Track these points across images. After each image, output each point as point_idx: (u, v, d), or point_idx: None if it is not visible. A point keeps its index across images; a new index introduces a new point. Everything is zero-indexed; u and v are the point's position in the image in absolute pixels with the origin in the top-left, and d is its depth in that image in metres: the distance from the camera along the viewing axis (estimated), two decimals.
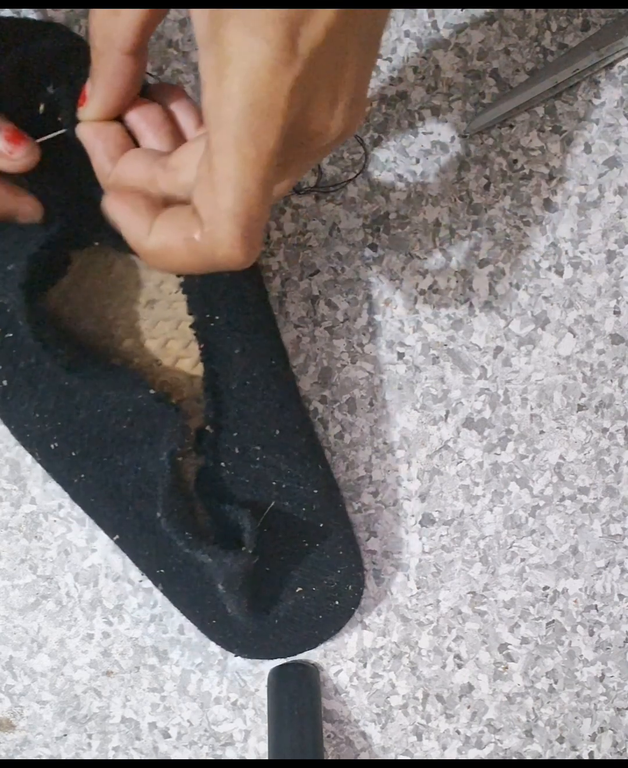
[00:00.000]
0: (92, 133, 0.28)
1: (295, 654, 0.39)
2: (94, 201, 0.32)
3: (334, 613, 0.38)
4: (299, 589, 0.37)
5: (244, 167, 0.22)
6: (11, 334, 0.32)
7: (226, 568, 0.33)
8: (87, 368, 0.32)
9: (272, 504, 0.36)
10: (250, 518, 0.34)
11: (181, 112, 0.29)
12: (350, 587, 0.38)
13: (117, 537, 0.36)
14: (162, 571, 0.36)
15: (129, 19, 0.25)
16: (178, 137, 0.29)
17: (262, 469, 0.36)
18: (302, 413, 0.37)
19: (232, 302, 0.34)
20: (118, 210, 0.26)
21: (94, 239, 0.34)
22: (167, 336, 0.36)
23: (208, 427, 0.35)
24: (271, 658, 0.39)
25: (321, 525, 0.37)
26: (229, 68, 0.21)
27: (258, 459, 0.35)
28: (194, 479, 0.36)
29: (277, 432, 0.36)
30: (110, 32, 0.25)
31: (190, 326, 0.35)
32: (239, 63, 0.21)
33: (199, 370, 0.36)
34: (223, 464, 0.35)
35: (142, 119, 0.28)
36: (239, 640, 0.38)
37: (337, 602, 0.38)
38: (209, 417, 0.35)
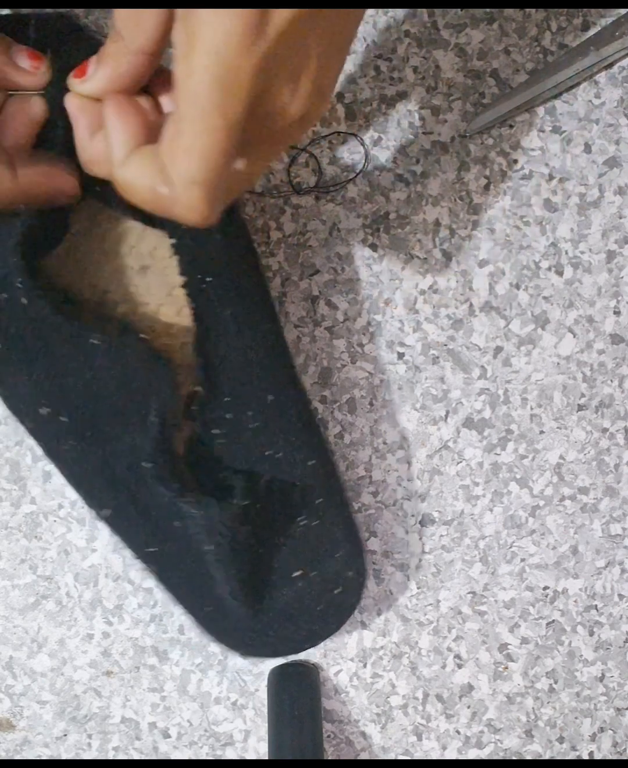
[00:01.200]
0: (78, 107, 0.29)
1: (297, 651, 0.37)
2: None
3: (335, 603, 0.36)
4: (298, 572, 0.36)
5: (207, 138, 0.23)
6: (6, 295, 0.31)
7: (216, 521, 0.31)
8: (81, 326, 0.32)
9: (267, 476, 0.35)
10: (242, 480, 0.33)
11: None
12: (350, 573, 0.36)
13: (108, 511, 0.35)
14: (154, 549, 0.35)
15: (152, 20, 0.25)
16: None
17: (255, 438, 0.34)
18: (297, 382, 0.36)
19: (223, 265, 0.34)
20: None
21: (88, 194, 0.33)
22: (160, 302, 0.35)
23: (198, 388, 0.34)
24: (272, 657, 0.38)
25: (318, 501, 0.35)
26: (198, 43, 0.22)
27: (251, 426, 0.34)
28: (186, 448, 0.35)
29: (271, 397, 0.35)
30: (132, 31, 0.26)
31: (182, 286, 0.34)
32: (209, 39, 0.22)
33: (191, 336, 0.35)
34: (215, 431, 0.34)
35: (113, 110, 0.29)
36: (238, 635, 0.36)
37: (338, 590, 0.36)
38: (201, 379, 0.34)
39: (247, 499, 0.33)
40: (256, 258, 0.36)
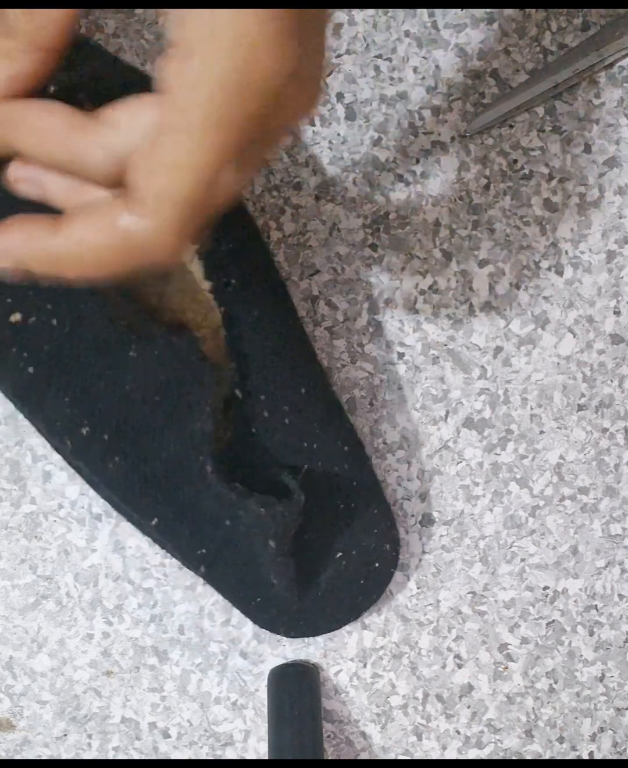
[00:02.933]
0: None
1: (340, 626, 0.38)
2: None
3: (375, 576, 0.38)
4: (340, 553, 0.37)
5: (203, 153, 0.20)
6: (34, 318, 0.31)
7: (280, 518, 0.33)
8: (123, 331, 0.32)
9: (306, 466, 0.35)
10: (293, 477, 0.34)
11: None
12: (387, 547, 0.38)
13: (155, 521, 0.35)
14: (204, 551, 0.36)
15: (60, 14, 0.22)
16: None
17: (292, 431, 0.35)
18: (322, 373, 0.37)
19: (244, 266, 0.34)
20: (7, 234, 0.22)
21: None
22: (185, 308, 0.35)
23: (236, 391, 0.35)
24: (318, 634, 0.39)
25: (354, 483, 0.37)
26: (215, 43, 0.18)
27: (287, 421, 0.35)
28: (227, 449, 0.35)
29: (303, 391, 0.35)
30: (38, 18, 0.21)
31: (209, 291, 0.34)
32: (230, 38, 0.18)
33: (219, 339, 0.35)
34: (254, 430, 0.35)
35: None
36: (285, 618, 0.37)
37: (377, 564, 0.38)
38: (236, 381, 0.35)
39: (302, 494, 0.33)
40: (269, 255, 0.37)
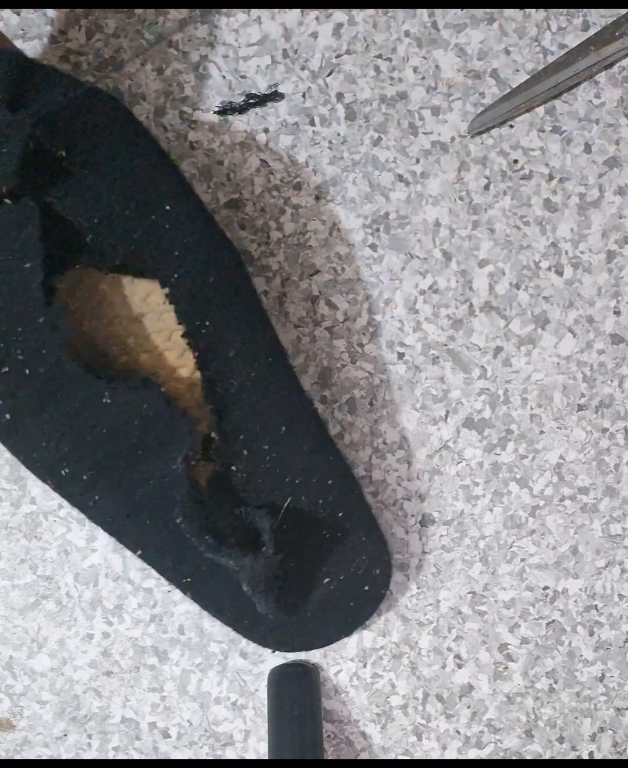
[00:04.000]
0: None
1: (332, 642, 0.39)
2: (72, 222, 0.32)
3: (365, 598, 0.38)
4: (327, 579, 0.37)
5: None
6: (7, 368, 0.32)
7: (249, 570, 0.33)
8: (94, 380, 0.32)
9: (288, 501, 0.36)
10: (267, 518, 0.34)
11: None
12: (377, 571, 0.38)
13: (140, 552, 0.36)
14: (189, 579, 0.36)
15: None
16: None
17: (273, 467, 0.35)
18: (307, 405, 0.37)
19: (220, 306, 0.34)
20: None
21: (74, 262, 0.34)
22: (161, 348, 0.36)
23: (213, 434, 0.35)
24: (308, 650, 0.39)
25: (340, 514, 0.37)
26: None
27: (268, 458, 0.35)
28: (207, 487, 0.36)
29: (284, 428, 0.35)
30: None
31: (182, 336, 0.34)
32: None
33: (197, 378, 0.36)
34: (234, 468, 0.35)
35: None
36: (275, 636, 0.38)
37: (367, 587, 0.38)
38: (214, 423, 0.35)
39: (279, 535, 0.34)
40: (250, 288, 0.36)
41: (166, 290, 0.33)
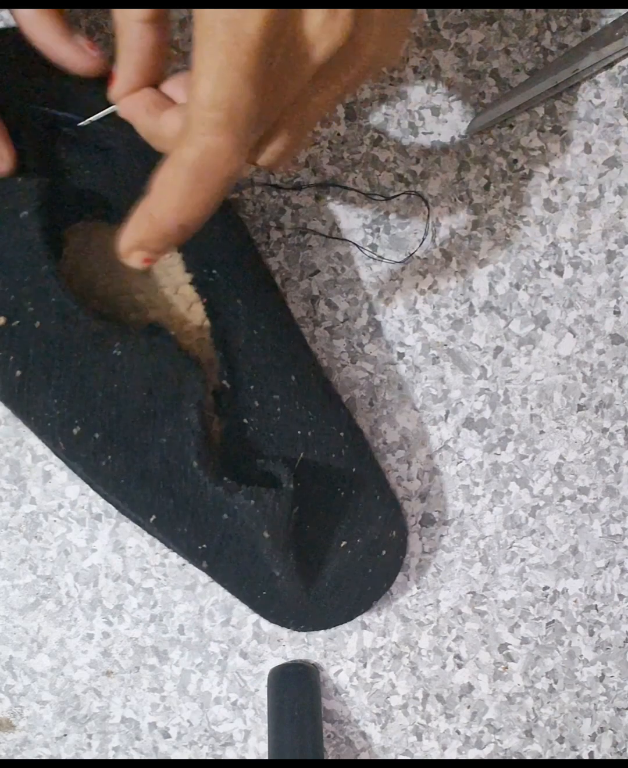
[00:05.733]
0: (130, 103, 0.28)
1: (351, 618, 0.38)
2: (85, 177, 0.32)
3: (382, 564, 0.37)
4: (344, 543, 0.37)
5: (223, 54, 0.22)
6: (18, 322, 0.31)
7: (269, 509, 0.32)
8: (105, 331, 0.32)
9: (301, 455, 0.35)
10: (284, 466, 0.34)
11: None
12: (393, 534, 0.37)
13: (154, 517, 0.35)
14: (204, 546, 0.35)
15: None
16: None
17: (285, 420, 0.35)
18: (314, 360, 0.37)
19: (226, 256, 0.34)
20: (161, 175, 0.26)
21: (85, 215, 0.34)
22: (169, 303, 0.35)
23: (224, 383, 0.35)
24: (329, 627, 0.38)
25: (354, 469, 0.36)
26: None
27: (279, 409, 0.35)
28: (220, 441, 0.35)
29: (294, 378, 0.35)
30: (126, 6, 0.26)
31: (190, 284, 0.34)
32: None
33: (205, 332, 0.35)
34: (245, 421, 0.35)
35: (176, 85, 0.29)
36: (293, 611, 0.37)
37: (384, 552, 0.37)
38: (224, 373, 0.34)
39: (293, 483, 0.33)
40: (252, 243, 0.36)
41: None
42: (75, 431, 0.33)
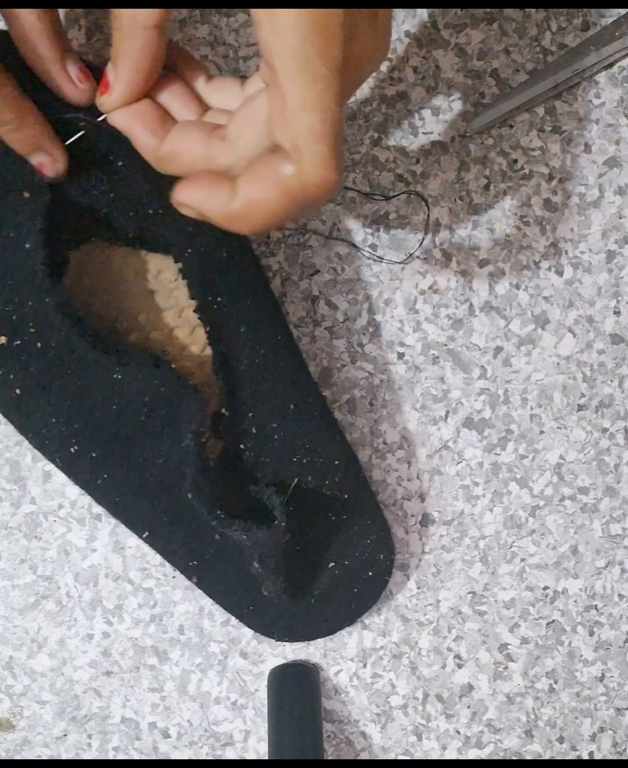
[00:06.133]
0: (126, 116, 0.28)
1: (335, 631, 0.39)
2: (88, 196, 0.32)
3: (368, 584, 0.38)
4: (332, 564, 0.37)
5: (319, 86, 0.22)
6: (18, 341, 0.32)
7: (261, 543, 0.33)
8: (104, 356, 0.32)
9: (296, 480, 0.35)
10: (277, 494, 0.34)
11: (194, 77, 0.30)
12: (381, 556, 0.38)
13: (147, 533, 0.36)
14: (195, 562, 0.36)
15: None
16: (199, 101, 0.29)
17: (281, 447, 0.35)
18: (313, 386, 0.37)
19: (231, 282, 0.34)
20: (193, 193, 0.26)
21: (89, 235, 0.34)
22: (171, 325, 0.36)
23: (223, 410, 0.35)
24: (313, 639, 0.39)
25: (346, 496, 0.37)
26: (280, 8, 0.22)
27: (276, 436, 0.35)
28: (216, 465, 0.35)
29: (292, 406, 0.35)
30: (134, 9, 0.26)
31: (194, 311, 0.34)
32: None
33: (206, 356, 0.36)
34: (242, 446, 0.35)
35: (170, 95, 0.29)
36: (279, 624, 0.38)
37: (370, 572, 0.38)
38: (224, 399, 0.35)
39: (286, 518, 0.33)
40: (259, 267, 0.37)
41: (179, 265, 0.34)
42: (72, 449, 0.34)
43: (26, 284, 0.31)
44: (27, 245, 0.30)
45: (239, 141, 0.27)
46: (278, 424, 0.35)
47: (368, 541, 0.38)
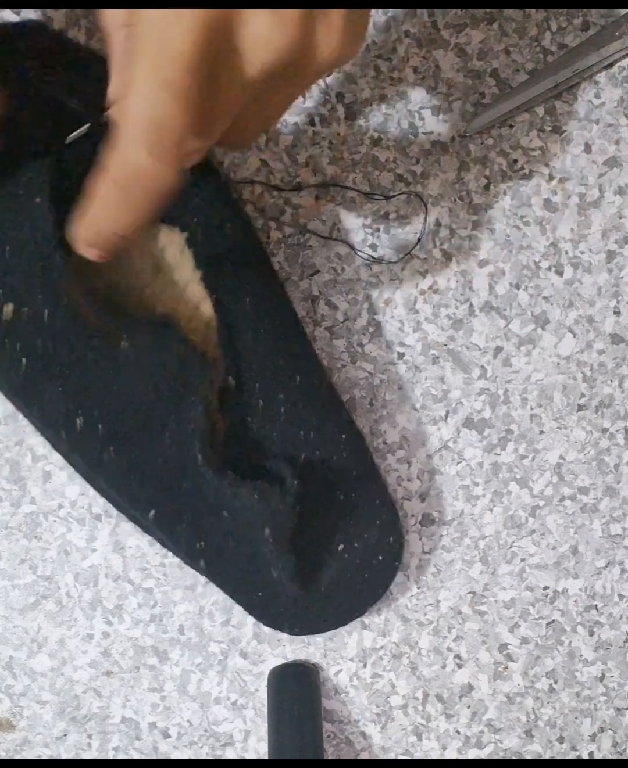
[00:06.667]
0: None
1: (346, 622, 0.38)
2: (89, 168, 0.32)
3: (379, 569, 0.37)
4: (341, 546, 0.37)
5: (152, 72, 0.21)
6: (27, 308, 0.31)
7: (273, 506, 0.32)
8: (112, 322, 0.32)
9: (303, 456, 0.35)
10: (288, 465, 0.34)
11: None
12: (390, 539, 0.37)
13: (152, 513, 0.35)
14: (202, 544, 0.35)
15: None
16: None
17: (287, 421, 0.35)
18: (317, 362, 0.37)
19: (236, 255, 0.34)
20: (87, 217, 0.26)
21: None
22: (176, 301, 0.35)
23: (230, 379, 0.35)
24: (323, 631, 0.38)
25: (354, 473, 0.36)
26: None
27: (283, 410, 0.35)
28: (223, 440, 0.35)
29: (298, 379, 0.35)
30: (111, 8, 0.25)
31: (200, 280, 0.34)
32: None
33: (212, 329, 0.35)
34: (249, 420, 0.35)
35: None
36: (289, 614, 0.37)
37: (380, 557, 0.37)
38: (230, 371, 0.35)
39: (297, 482, 0.33)
40: (261, 244, 0.37)
41: (186, 234, 0.34)
42: (78, 422, 0.33)
43: (36, 251, 0.30)
44: (38, 211, 0.30)
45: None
46: (284, 396, 0.35)
47: (378, 522, 0.37)
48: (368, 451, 0.38)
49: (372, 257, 0.39)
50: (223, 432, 0.35)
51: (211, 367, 0.33)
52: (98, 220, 0.25)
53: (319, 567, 0.37)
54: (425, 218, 0.39)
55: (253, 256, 0.35)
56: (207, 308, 0.35)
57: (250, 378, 0.35)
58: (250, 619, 0.40)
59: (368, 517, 0.37)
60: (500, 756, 0.42)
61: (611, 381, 0.41)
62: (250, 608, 0.37)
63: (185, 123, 0.22)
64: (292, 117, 0.39)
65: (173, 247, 0.35)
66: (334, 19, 0.23)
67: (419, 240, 0.39)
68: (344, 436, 0.36)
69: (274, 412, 0.35)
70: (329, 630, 0.38)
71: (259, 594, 0.36)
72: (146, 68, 0.21)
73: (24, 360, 0.32)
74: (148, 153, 0.22)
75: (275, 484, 0.33)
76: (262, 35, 0.22)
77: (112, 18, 0.25)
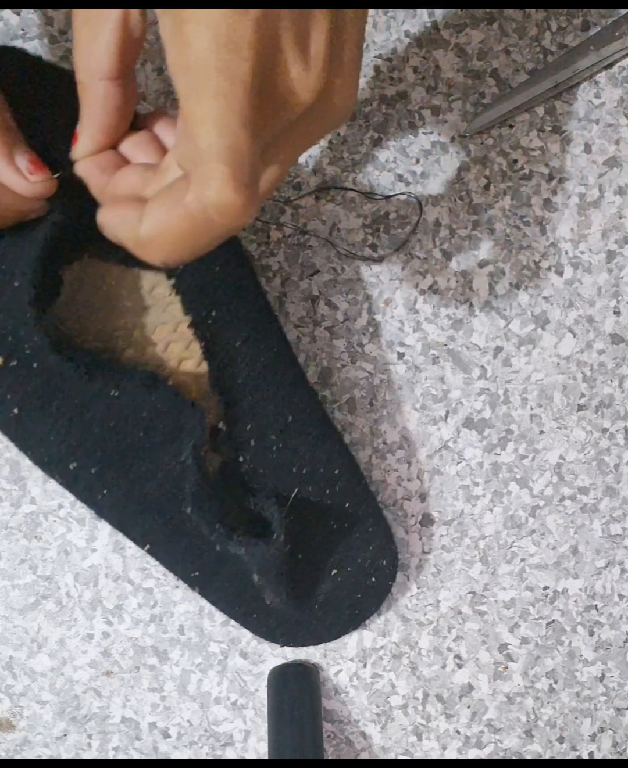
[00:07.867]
0: (89, 165, 0.28)
1: (339, 636, 0.39)
2: (82, 213, 0.32)
3: (372, 590, 0.38)
4: (335, 570, 0.38)
5: (220, 101, 0.21)
6: (15, 362, 0.32)
7: (260, 557, 0.33)
8: (100, 376, 0.32)
9: (296, 491, 0.36)
10: (277, 506, 0.34)
11: (165, 130, 0.29)
12: (383, 562, 0.38)
13: (148, 546, 0.36)
14: (197, 573, 0.36)
15: (105, 42, 0.25)
16: (165, 153, 0.29)
17: (281, 457, 0.36)
18: (313, 396, 0.37)
19: (226, 296, 0.34)
20: (109, 215, 0.26)
21: (83, 252, 0.34)
22: (167, 340, 0.36)
23: (220, 424, 0.35)
24: (315, 644, 0.39)
25: (347, 504, 0.37)
26: (188, 20, 0.21)
27: (275, 448, 0.35)
28: (215, 477, 0.36)
29: (291, 417, 0.36)
30: (89, 61, 0.26)
31: (189, 326, 0.34)
32: (197, 15, 0.21)
33: (203, 369, 0.36)
34: (241, 458, 0.35)
35: (133, 146, 0.28)
36: (283, 629, 0.38)
37: (374, 579, 0.38)
38: (221, 413, 0.35)
39: (286, 528, 0.34)
40: (255, 279, 0.36)
41: (172, 281, 0.34)
42: (71, 466, 0.34)
43: (19, 306, 0.31)
44: (15, 281, 0.30)
45: (168, 170, 0.26)
46: (277, 435, 0.35)
47: (371, 548, 0.38)
48: (362, 479, 0.38)
49: (352, 253, 0.39)
50: (216, 469, 0.36)
51: (201, 413, 0.33)
52: (150, 251, 0.25)
53: (312, 589, 0.38)
54: (418, 220, 0.39)
55: (246, 293, 0.35)
56: (197, 349, 0.36)
57: (241, 418, 0.35)
58: None
59: (361, 543, 0.38)
60: (500, 756, 0.42)
61: (611, 381, 0.41)
62: (244, 624, 0.38)
63: (253, 149, 0.22)
64: None
65: (163, 288, 0.35)
66: (346, 66, 0.24)
67: (408, 239, 0.39)
68: (336, 470, 0.37)
69: (266, 450, 0.35)
70: (321, 643, 0.39)
71: (254, 615, 0.38)
72: (215, 100, 0.21)
73: (15, 409, 0.33)
74: (228, 185, 0.22)
75: (262, 537, 0.33)
76: (298, 75, 0.23)
77: (88, 72, 0.26)
